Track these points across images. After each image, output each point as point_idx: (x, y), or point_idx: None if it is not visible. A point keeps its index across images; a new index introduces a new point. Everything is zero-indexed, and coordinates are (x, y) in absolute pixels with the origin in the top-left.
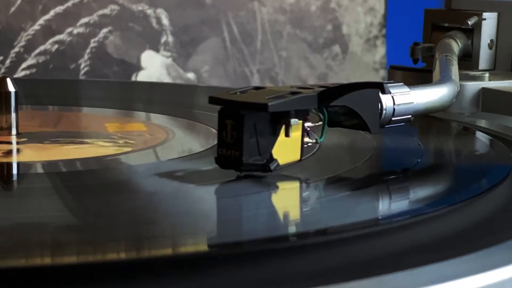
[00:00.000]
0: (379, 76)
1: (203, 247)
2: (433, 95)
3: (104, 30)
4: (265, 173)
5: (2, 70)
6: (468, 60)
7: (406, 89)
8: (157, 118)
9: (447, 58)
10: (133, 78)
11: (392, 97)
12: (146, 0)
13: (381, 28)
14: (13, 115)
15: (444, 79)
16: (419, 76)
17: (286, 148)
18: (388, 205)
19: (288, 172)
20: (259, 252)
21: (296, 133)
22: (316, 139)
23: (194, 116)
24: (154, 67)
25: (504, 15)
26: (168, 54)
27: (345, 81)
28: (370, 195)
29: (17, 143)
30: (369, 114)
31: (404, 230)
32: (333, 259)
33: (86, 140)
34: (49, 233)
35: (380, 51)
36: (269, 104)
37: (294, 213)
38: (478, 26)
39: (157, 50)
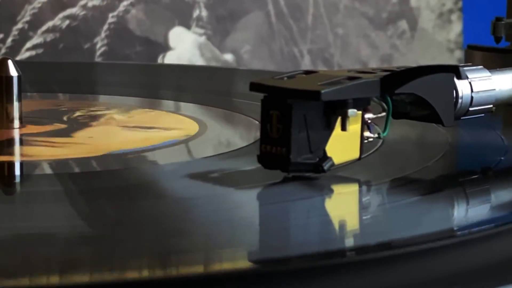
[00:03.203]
0: (454, 57)
1: (243, 263)
2: None
3: (125, 3)
4: (317, 174)
5: (3, 51)
6: None
7: (486, 73)
8: (188, 108)
9: None
10: (159, 60)
11: (470, 83)
12: None
13: (456, 1)
14: (16, 104)
15: None
16: (502, 58)
17: (343, 144)
18: (465, 213)
19: (345, 173)
20: (310, 270)
21: (354, 127)
22: (379, 133)
23: (232, 106)
24: (184, 47)
25: None
26: (202, 31)
27: (413, 64)
28: (443, 201)
29: (20, 136)
30: (442, 103)
31: (485, 242)
32: (399, 278)
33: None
34: (58, 246)
35: (456, 28)
36: (322, 91)
37: (352, 223)
38: None
39: (188, 27)
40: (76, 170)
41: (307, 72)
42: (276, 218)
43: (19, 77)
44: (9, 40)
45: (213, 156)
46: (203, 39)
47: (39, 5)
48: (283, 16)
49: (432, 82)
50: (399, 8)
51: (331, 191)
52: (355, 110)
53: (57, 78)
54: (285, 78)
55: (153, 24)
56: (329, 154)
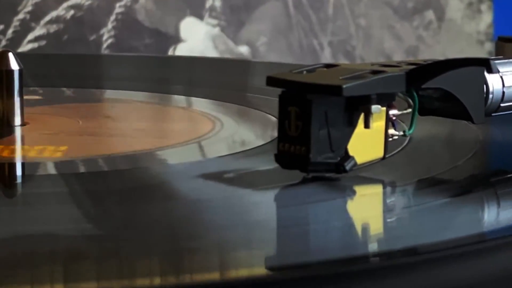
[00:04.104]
0: (484, 50)
1: (259, 269)
2: None
3: None
4: (338, 174)
5: (3, 43)
6: None
7: None
8: (201, 103)
9: None
10: (170, 53)
11: (501, 77)
12: None
13: None
14: (17, 99)
15: None
16: None
17: (366, 142)
18: (496, 216)
19: (368, 173)
20: (330, 276)
21: (378, 124)
22: (404, 131)
23: (248, 101)
24: (196, 38)
25: None
26: (215, 22)
27: (440, 57)
28: (474, 203)
29: (22, 134)
30: (472, 99)
31: None
32: (425, 285)
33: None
34: (62, 250)
35: (486, 18)
36: (344, 86)
37: (376, 227)
38: None
39: (200, 17)
40: (82, 170)
41: (328, 66)
42: (294, 222)
43: (20, 71)
44: (10, 31)
45: (227, 155)
46: (216, 30)
47: None
48: (302, 6)
49: (461, 76)
50: None
51: (354, 192)
52: (379, 106)
53: (61, 71)
54: (304, 72)
55: (163, 15)
56: (351, 153)
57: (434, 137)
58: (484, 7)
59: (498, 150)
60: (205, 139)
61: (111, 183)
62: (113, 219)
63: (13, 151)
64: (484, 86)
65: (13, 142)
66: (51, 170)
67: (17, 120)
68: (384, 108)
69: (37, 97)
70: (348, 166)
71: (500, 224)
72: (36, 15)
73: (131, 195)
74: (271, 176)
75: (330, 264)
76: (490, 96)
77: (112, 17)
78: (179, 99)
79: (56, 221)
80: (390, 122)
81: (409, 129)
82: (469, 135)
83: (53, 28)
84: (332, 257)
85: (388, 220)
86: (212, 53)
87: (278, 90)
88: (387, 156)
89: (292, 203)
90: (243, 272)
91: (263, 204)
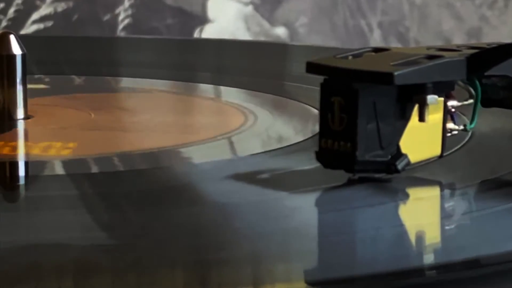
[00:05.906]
0: None
1: (298, 284)
2: None
3: None
4: (389, 174)
5: (4, 23)
6: None
7: None
8: (231, 93)
9: None
10: (195, 35)
11: None
12: None
13: None
14: (20, 88)
15: None
16: None
17: (421, 138)
18: None
19: (424, 174)
20: None
21: (435, 117)
22: (465, 125)
23: (285, 90)
24: (226, 18)
25: None
26: None
27: (506, 40)
28: None
29: (25, 129)
30: None
31: None
32: None
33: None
34: (73, 260)
35: None
36: (396, 73)
37: (433, 235)
38: None
39: None
40: (94, 170)
41: (377, 50)
42: (339, 229)
43: (23, 56)
44: (11, 10)
45: (261, 153)
46: (249, 9)
47: None
48: None
49: None
50: None
51: (407, 196)
52: (436, 97)
53: (70, 57)
54: (350, 57)
55: None
56: (404, 150)
57: (500, 132)
58: None
59: None
60: (236, 134)
61: (127, 184)
62: (129, 226)
63: (15, 148)
64: None
65: (15, 138)
66: (58, 169)
67: (20, 113)
68: (442, 99)
69: (42, 86)
70: (400, 165)
71: None
72: None
73: (150, 199)
74: (311, 177)
75: (379, 278)
76: None
77: None
78: (207, 89)
79: (64, 229)
80: (448, 114)
81: (471, 122)
82: None
83: (61, 6)
84: (382, 270)
85: (447, 227)
86: (244, 35)
87: (320, 78)
88: (445, 154)
89: (335, 208)
90: (279, 286)
91: (302, 209)
